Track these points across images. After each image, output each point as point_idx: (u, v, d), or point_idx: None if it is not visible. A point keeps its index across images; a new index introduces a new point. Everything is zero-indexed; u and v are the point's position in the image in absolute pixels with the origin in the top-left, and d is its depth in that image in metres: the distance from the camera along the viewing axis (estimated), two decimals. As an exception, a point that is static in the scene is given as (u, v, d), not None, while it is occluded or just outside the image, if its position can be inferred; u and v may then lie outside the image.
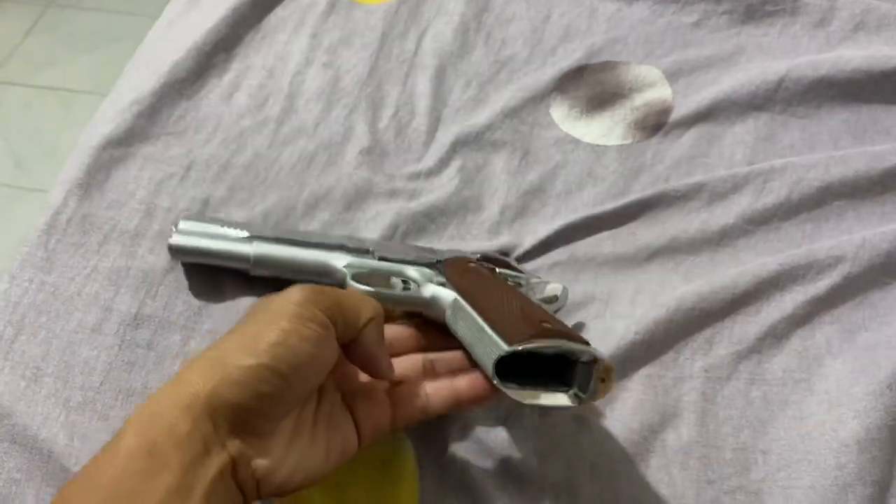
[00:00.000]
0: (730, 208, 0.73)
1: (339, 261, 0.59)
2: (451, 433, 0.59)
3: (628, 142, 0.80)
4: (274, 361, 0.40)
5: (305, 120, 0.79)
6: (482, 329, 0.48)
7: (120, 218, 0.68)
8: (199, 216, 0.64)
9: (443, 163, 0.76)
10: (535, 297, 0.62)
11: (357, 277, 0.56)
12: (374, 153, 0.77)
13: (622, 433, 0.61)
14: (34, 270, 0.64)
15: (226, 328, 0.51)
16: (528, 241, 0.72)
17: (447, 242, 0.72)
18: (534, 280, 0.65)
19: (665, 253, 0.72)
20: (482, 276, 0.58)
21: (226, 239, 0.60)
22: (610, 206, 0.72)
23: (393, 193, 0.74)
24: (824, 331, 0.67)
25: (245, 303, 0.63)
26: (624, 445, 0.61)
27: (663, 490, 0.59)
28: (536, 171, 0.76)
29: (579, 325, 0.67)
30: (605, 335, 0.66)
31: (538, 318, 0.49)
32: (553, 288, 0.64)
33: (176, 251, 0.61)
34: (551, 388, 0.48)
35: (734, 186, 0.74)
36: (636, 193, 0.75)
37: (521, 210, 0.75)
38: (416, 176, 0.76)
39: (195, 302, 0.63)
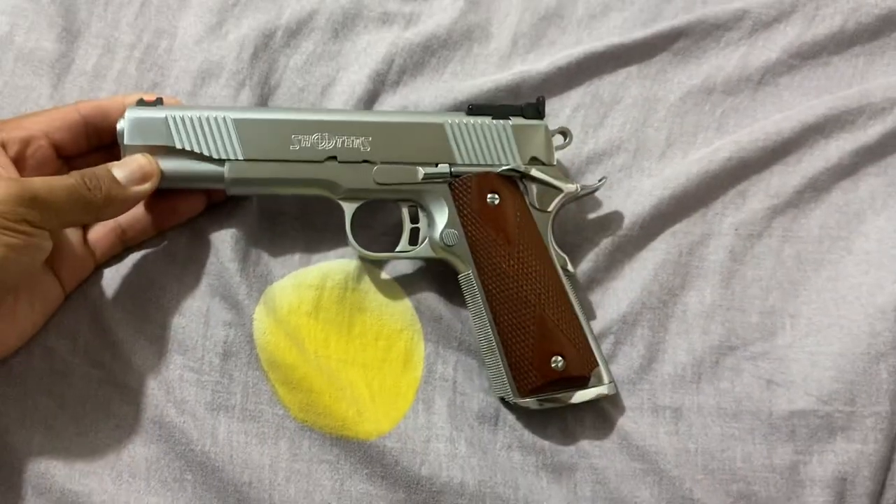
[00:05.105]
0: (774, 40, 0.65)
1: (335, 177, 0.53)
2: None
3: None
4: None
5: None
6: (494, 350, 0.53)
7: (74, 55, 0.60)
8: (150, 106, 0.53)
9: (444, -20, 0.66)
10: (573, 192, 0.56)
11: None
12: (363, -35, 0.66)
13: (639, 297, 0.57)
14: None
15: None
16: (545, 66, 0.62)
17: (450, 80, 0.63)
18: (568, 187, 0.55)
19: (699, 94, 0.63)
20: (503, 230, 0.54)
21: (192, 157, 0.52)
22: (639, 33, 0.64)
23: (386, 19, 0.64)
24: (869, 183, 0.61)
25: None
26: (640, 310, 0.57)
27: (681, 356, 0.56)
28: (553, -10, 0.67)
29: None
30: (630, 193, 0.60)
31: (552, 348, 0.52)
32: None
33: None
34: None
35: (781, 14, 0.66)
36: (668, 20, 0.65)
37: (535, 39, 0.65)
38: (412, -4, 0.65)
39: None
